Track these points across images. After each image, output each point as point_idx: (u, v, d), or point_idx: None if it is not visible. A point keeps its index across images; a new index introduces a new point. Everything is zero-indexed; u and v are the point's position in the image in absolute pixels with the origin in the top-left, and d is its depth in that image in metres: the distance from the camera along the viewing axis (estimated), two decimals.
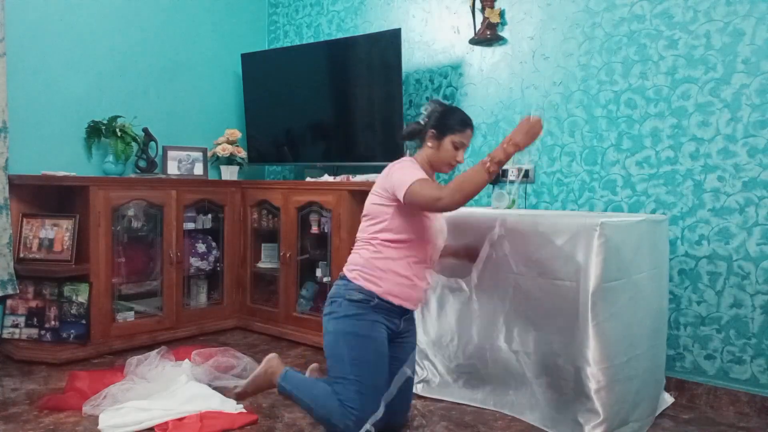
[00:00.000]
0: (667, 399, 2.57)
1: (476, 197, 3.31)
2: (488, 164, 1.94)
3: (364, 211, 2.23)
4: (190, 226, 3.62)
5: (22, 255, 3.13)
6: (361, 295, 2.09)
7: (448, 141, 2.15)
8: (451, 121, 2.16)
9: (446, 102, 2.26)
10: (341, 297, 2.13)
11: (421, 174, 2.08)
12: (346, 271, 2.18)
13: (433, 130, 2.16)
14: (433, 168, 2.22)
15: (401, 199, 2.04)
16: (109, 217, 3.20)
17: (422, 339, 2.68)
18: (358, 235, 2.24)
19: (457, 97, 3.40)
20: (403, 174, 2.07)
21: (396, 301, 2.12)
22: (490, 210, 2.78)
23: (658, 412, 2.47)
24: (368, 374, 2.04)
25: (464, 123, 2.17)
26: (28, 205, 3.23)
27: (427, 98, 3.54)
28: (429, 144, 2.17)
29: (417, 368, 2.69)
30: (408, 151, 2.34)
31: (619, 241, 2.15)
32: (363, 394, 2.01)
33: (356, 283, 2.12)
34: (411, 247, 2.13)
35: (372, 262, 2.12)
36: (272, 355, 2.34)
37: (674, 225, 2.67)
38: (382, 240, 2.13)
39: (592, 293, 2.09)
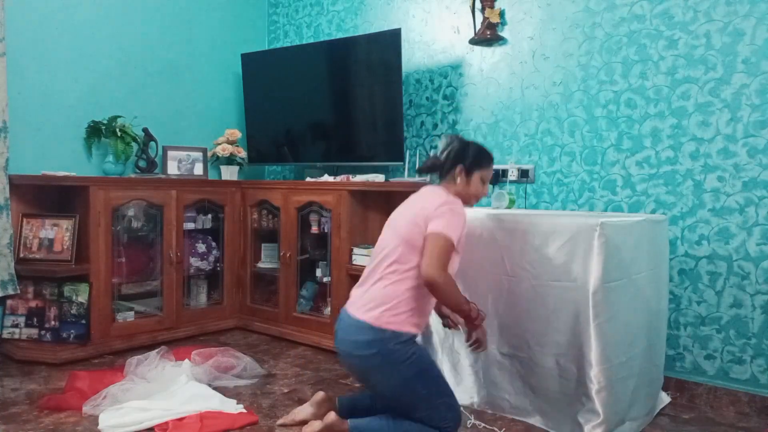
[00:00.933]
0: (664, 398, 2.57)
1: None
2: (472, 305, 2.13)
3: (401, 237, 2.07)
4: (190, 226, 3.62)
5: (22, 255, 3.13)
6: (407, 336, 2.03)
7: (477, 177, 2.21)
8: (480, 158, 2.22)
9: (464, 138, 2.27)
10: (390, 343, 2.00)
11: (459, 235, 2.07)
12: (382, 315, 2.01)
13: (461, 166, 2.18)
14: (461, 201, 2.20)
15: (426, 232, 2.01)
16: (109, 217, 3.20)
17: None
18: (390, 266, 2.06)
19: (457, 97, 3.40)
20: (455, 225, 2.03)
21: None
22: (489, 210, 2.78)
23: (656, 411, 2.47)
24: (444, 387, 2.10)
25: (491, 159, 2.27)
26: (28, 205, 3.23)
27: (426, 98, 3.54)
28: (458, 180, 2.18)
29: None
30: (429, 179, 2.32)
31: (619, 241, 2.15)
32: (450, 405, 2.08)
33: (399, 330, 2.00)
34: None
35: (410, 300, 2.03)
36: (323, 399, 2.29)
37: (674, 225, 2.67)
38: (418, 279, 2.02)
39: (593, 293, 2.09)
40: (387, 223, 2.22)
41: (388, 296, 2.02)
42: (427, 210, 2.05)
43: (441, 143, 2.23)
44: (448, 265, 2.01)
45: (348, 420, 2.10)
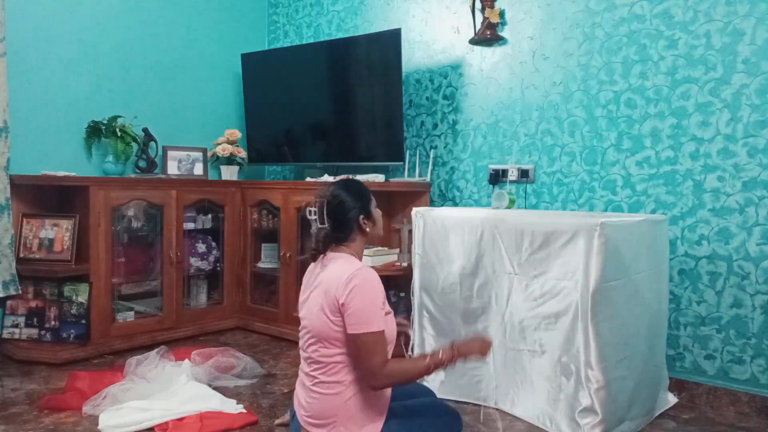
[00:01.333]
0: (671, 399, 2.57)
1: (477, 197, 3.34)
2: (430, 363, 1.79)
3: (310, 332, 1.82)
4: (190, 226, 3.63)
5: (22, 255, 3.13)
6: None
7: (376, 212, 1.96)
8: (367, 193, 1.95)
9: (329, 187, 1.94)
10: None
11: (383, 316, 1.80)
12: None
13: (362, 215, 1.89)
14: (364, 253, 1.98)
15: (348, 331, 1.74)
16: (109, 217, 3.20)
17: (424, 339, 2.68)
18: (315, 370, 1.82)
19: (457, 97, 3.40)
20: (372, 310, 1.74)
21: None
22: (489, 210, 2.78)
23: (659, 412, 2.47)
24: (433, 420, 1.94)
25: (365, 186, 2.00)
26: (29, 205, 3.22)
27: (426, 98, 3.54)
28: (367, 228, 1.90)
29: None
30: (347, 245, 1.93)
31: (619, 241, 2.15)
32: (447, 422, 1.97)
33: None
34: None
35: (360, 404, 1.79)
36: None
37: (674, 225, 2.67)
38: (348, 366, 1.79)
39: (593, 293, 2.09)
40: (302, 304, 1.93)
41: (329, 411, 1.80)
42: (333, 295, 1.75)
43: (313, 212, 1.91)
44: (383, 355, 1.75)
45: None
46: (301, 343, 1.91)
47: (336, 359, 1.79)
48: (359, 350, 1.74)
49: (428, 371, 1.82)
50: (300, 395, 1.91)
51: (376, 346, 1.73)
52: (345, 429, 1.79)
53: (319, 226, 1.89)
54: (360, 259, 1.92)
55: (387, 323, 1.81)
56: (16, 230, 3.12)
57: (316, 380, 1.83)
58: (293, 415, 1.98)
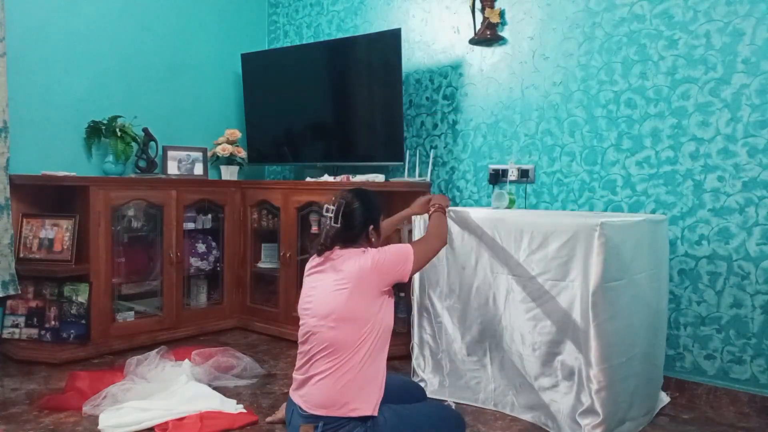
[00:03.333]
0: (664, 398, 2.57)
1: (477, 197, 3.34)
2: (433, 209, 2.32)
3: (342, 317, 1.90)
4: (190, 226, 3.62)
5: (22, 255, 3.13)
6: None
7: (382, 225, 2.18)
8: (378, 205, 2.10)
9: (353, 191, 2.07)
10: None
11: (405, 245, 2.06)
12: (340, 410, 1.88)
13: (372, 225, 2.04)
14: None
15: (409, 275, 2.00)
16: (109, 217, 3.20)
17: (424, 339, 2.68)
18: (328, 356, 1.90)
19: (457, 97, 3.40)
20: (396, 253, 1.99)
21: None
22: (489, 210, 2.78)
23: (655, 411, 2.47)
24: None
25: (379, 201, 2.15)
26: (28, 205, 3.22)
27: (426, 98, 3.54)
28: (372, 238, 2.05)
29: (418, 368, 2.69)
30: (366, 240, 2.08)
31: (619, 241, 2.15)
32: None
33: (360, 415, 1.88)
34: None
35: (365, 378, 1.91)
36: None
37: (674, 225, 2.67)
38: (373, 343, 1.91)
39: (593, 293, 2.09)
40: (306, 297, 2.03)
41: (343, 395, 1.89)
42: (361, 273, 1.91)
43: (330, 211, 2.01)
44: (431, 241, 2.18)
45: None
46: (308, 341, 1.95)
47: (358, 339, 1.88)
48: (426, 262, 2.12)
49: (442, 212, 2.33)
50: (303, 393, 1.93)
51: (424, 248, 2.11)
52: (356, 405, 1.87)
53: (332, 224, 2.00)
54: None
55: (385, 305, 1.95)
56: (16, 230, 3.12)
57: (329, 372, 1.89)
58: (290, 420, 1.99)
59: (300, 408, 1.93)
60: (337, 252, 2.00)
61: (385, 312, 1.96)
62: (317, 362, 1.91)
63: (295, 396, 1.97)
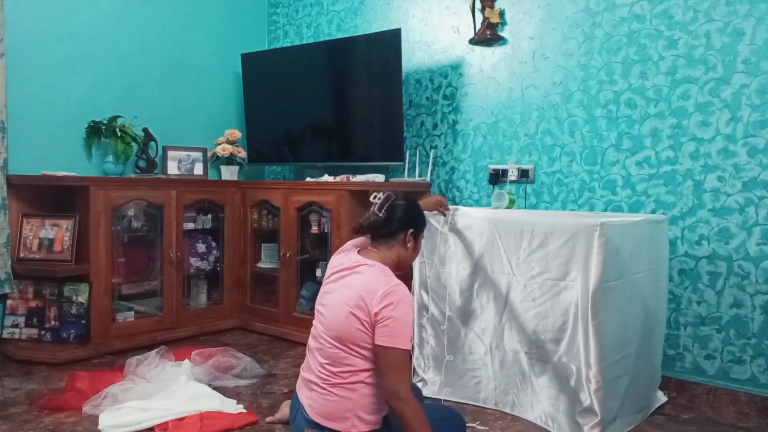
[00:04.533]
0: (661, 397, 2.57)
1: (477, 197, 3.34)
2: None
3: (338, 337, 1.84)
4: (190, 226, 3.62)
5: (22, 255, 3.13)
6: None
7: (421, 239, 2.07)
8: (424, 219, 2.07)
9: (403, 194, 2.02)
10: None
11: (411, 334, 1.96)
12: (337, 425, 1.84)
13: (412, 230, 1.98)
14: (398, 269, 2.00)
15: (377, 342, 1.78)
16: (109, 217, 3.20)
17: (424, 339, 2.68)
18: (329, 369, 1.86)
19: (457, 97, 3.40)
20: (405, 329, 1.79)
21: None
22: (489, 210, 2.78)
23: (650, 410, 2.48)
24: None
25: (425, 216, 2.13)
26: (28, 205, 3.22)
27: (426, 98, 3.54)
28: (408, 245, 1.98)
29: (418, 368, 2.70)
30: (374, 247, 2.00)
31: (619, 241, 2.15)
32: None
33: None
34: None
35: (368, 399, 1.86)
36: None
37: (674, 225, 2.67)
38: (373, 370, 1.85)
39: (592, 293, 2.09)
40: (321, 298, 1.98)
41: (346, 409, 1.85)
42: (366, 302, 1.80)
43: (378, 198, 1.98)
44: (408, 382, 1.81)
45: None
46: (316, 341, 1.93)
47: (358, 361, 1.83)
48: (386, 365, 1.78)
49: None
50: (309, 396, 1.92)
51: (404, 366, 1.78)
52: (358, 420, 1.85)
53: (375, 212, 1.95)
54: (392, 272, 1.94)
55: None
56: (16, 230, 3.12)
57: (334, 381, 1.86)
58: (294, 417, 1.98)
59: (305, 411, 1.92)
60: (366, 250, 1.96)
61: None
62: (322, 370, 1.88)
63: (301, 395, 1.96)
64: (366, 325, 1.80)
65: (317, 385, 1.89)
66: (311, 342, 1.97)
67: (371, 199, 2.01)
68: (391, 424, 1.91)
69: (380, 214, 1.94)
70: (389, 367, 1.77)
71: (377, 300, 1.79)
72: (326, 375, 1.87)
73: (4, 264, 3.03)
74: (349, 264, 1.94)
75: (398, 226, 1.96)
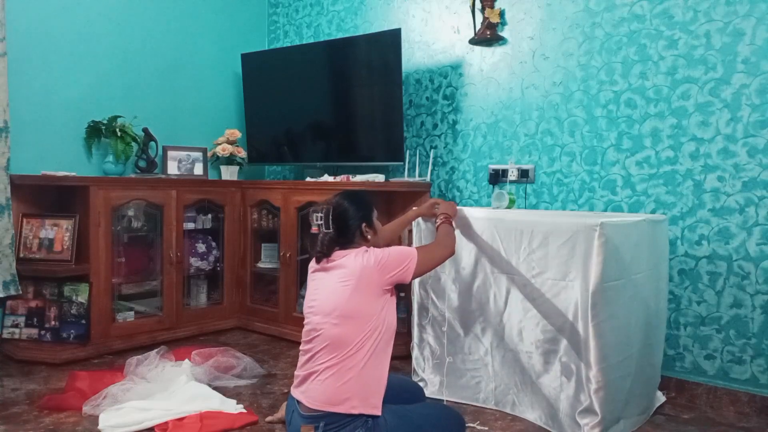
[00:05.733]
0: (660, 397, 2.57)
1: (477, 197, 3.34)
2: (440, 220, 2.32)
3: (345, 313, 1.91)
4: (190, 226, 3.62)
5: (22, 255, 3.13)
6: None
7: (375, 221, 2.10)
8: (370, 202, 2.11)
9: (338, 195, 2.09)
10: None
11: (410, 247, 2.11)
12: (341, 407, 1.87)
13: (364, 223, 2.04)
14: None
15: (411, 277, 1.99)
16: (109, 217, 3.20)
17: (424, 339, 2.68)
18: (330, 353, 1.90)
19: (457, 97, 3.40)
20: (400, 253, 1.99)
21: None
22: (489, 210, 2.78)
23: (652, 410, 2.48)
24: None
25: (369, 196, 2.18)
26: (28, 205, 3.22)
27: (426, 98, 3.54)
28: (368, 235, 2.05)
29: (418, 368, 2.70)
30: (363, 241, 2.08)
31: (619, 241, 2.15)
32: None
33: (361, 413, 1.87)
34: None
35: (368, 376, 1.90)
36: None
37: (674, 225, 2.67)
38: (376, 341, 1.92)
39: (592, 293, 2.09)
40: (311, 295, 2.05)
41: (346, 391, 1.89)
42: (362, 272, 1.92)
43: (319, 218, 2.04)
44: (437, 248, 2.18)
45: None
46: (311, 334, 1.96)
47: (360, 336, 1.89)
48: (429, 268, 2.12)
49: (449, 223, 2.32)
50: (306, 389, 1.93)
51: (430, 253, 2.11)
52: (358, 401, 1.87)
53: (324, 230, 2.03)
54: None
55: (388, 305, 1.96)
56: (16, 230, 3.12)
57: (331, 368, 1.89)
58: (290, 420, 1.99)
59: (300, 408, 1.93)
60: (337, 253, 2.01)
61: (388, 311, 1.97)
62: (320, 358, 1.92)
63: (296, 393, 1.97)
64: (384, 283, 1.94)
65: (316, 373, 1.91)
66: (305, 345, 1.99)
67: (313, 221, 2.05)
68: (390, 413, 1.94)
69: (330, 230, 2.01)
70: (429, 263, 2.09)
71: (370, 259, 1.94)
72: (326, 360, 1.90)
73: (9, 266, 3.02)
74: (326, 266, 2.02)
75: (353, 230, 2.03)
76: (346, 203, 2.04)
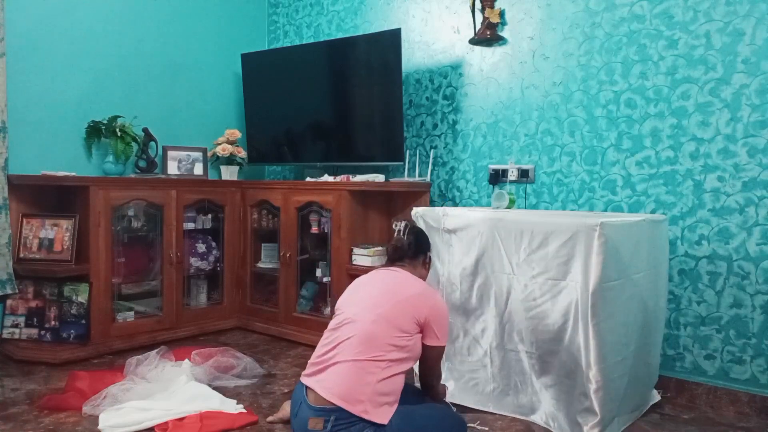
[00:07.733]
0: (655, 396, 2.58)
1: (477, 197, 3.34)
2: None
3: (386, 316, 1.99)
4: (190, 226, 3.62)
5: (22, 255, 3.13)
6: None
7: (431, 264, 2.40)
8: (430, 245, 2.40)
9: (415, 225, 2.45)
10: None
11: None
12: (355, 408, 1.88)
13: (430, 253, 2.36)
14: None
15: (427, 342, 2.07)
16: (109, 217, 3.20)
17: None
18: (360, 350, 1.94)
19: (457, 97, 3.40)
20: (444, 326, 2.12)
21: None
22: (489, 210, 2.78)
23: (645, 408, 2.48)
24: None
25: None
26: (28, 205, 3.22)
27: (426, 98, 3.54)
28: (426, 267, 2.33)
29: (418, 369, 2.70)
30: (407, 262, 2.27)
31: (619, 241, 2.15)
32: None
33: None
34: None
35: (385, 387, 1.94)
36: None
37: (674, 225, 2.67)
38: (401, 356, 1.98)
39: (592, 293, 2.09)
40: (351, 296, 2.15)
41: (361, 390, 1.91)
42: (417, 298, 2.06)
43: (399, 223, 2.31)
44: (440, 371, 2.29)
45: None
46: (338, 327, 2.02)
47: (389, 343, 1.95)
48: (431, 358, 2.13)
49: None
50: (323, 378, 1.94)
51: (441, 357, 2.18)
52: (371, 405, 1.88)
53: (401, 237, 2.30)
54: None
55: (417, 339, 2.05)
56: (16, 230, 3.12)
57: (355, 362, 1.91)
58: (296, 412, 1.99)
59: (310, 399, 1.92)
60: (406, 267, 2.22)
61: (418, 343, 2.04)
62: (345, 349, 1.94)
63: (310, 381, 1.96)
64: (413, 327, 2.02)
65: (337, 363, 1.92)
66: (332, 328, 2.04)
67: (394, 226, 2.32)
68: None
69: (406, 239, 2.26)
70: (434, 359, 2.14)
71: (425, 304, 2.05)
72: (352, 352, 1.92)
73: (6, 265, 3.02)
74: (390, 268, 2.23)
75: (422, 249, 2.29)
76: (423, 234, 2.37)
